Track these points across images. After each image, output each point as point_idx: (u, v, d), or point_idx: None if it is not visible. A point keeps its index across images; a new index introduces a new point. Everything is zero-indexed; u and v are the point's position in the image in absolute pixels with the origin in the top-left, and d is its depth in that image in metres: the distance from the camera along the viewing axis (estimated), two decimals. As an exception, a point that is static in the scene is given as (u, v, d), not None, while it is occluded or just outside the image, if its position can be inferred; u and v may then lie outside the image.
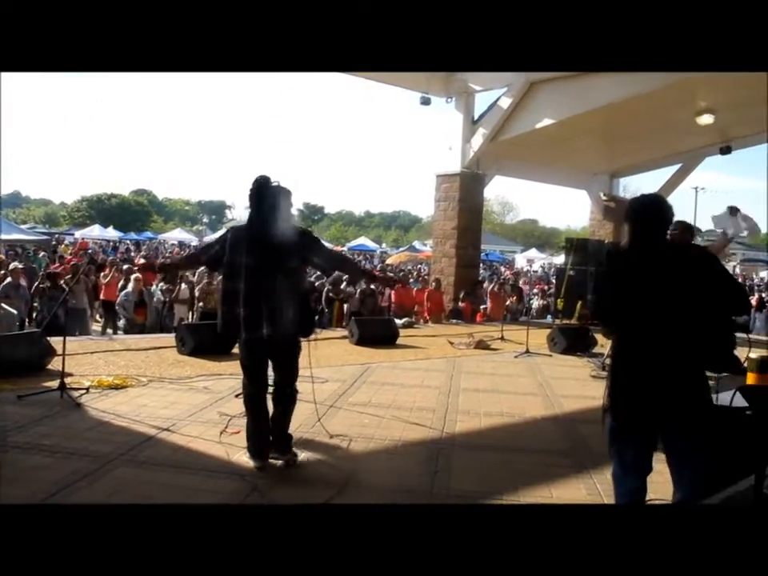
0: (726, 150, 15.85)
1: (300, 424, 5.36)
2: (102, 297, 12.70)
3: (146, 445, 4.66)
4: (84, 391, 6.02)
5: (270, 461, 4.40)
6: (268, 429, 4.43)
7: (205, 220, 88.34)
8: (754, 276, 41.60)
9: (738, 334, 3.02)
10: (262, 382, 4.45)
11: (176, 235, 47.15)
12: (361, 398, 6.50)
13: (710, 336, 2.89)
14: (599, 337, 9.03)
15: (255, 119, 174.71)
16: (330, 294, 13.02)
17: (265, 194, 4.26)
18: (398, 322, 11.74)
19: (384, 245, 57.60)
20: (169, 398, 6.07)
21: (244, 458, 4.40)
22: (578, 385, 7.80)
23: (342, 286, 13.34)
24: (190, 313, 12.58)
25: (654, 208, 3.14)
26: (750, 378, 4.62)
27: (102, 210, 64.27)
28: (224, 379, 6.95)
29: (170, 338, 9.21)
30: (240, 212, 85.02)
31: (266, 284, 4.17)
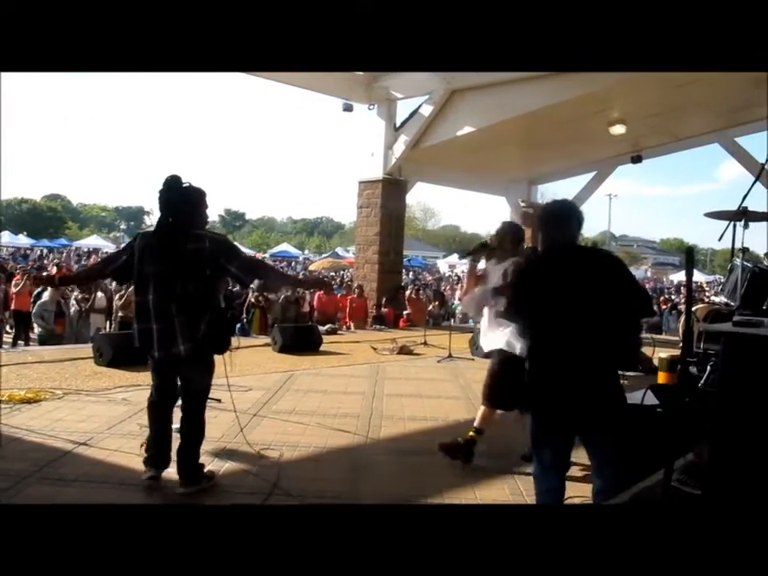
0: (637, 159, 16.50)
1: (223, 434, 5.29)
2: (12, 307, 12.21)
3: (62, 461, 4.48)
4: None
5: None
6: (169, 436, 4.17)
7: (122, 226, 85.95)
8: (665, 279, 43.27)
9: (649, 335, 3.20)
10: (169, 396, 4.17)
11: (92, 242, 45.70)
12: (285, 406, 6.45)
13: (618, 337, 3.01)
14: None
15: (176, 123, 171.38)
16: (254, 301, 12.87)
17: (174, 196, 3.96)
18: (321, 328, 11.72)
19: (307, 251, 57.49)
20: (86, 411, 5.88)
21: (169, 470, 4.30)
22: (500, 387, 7.93)
23: (265, 294, 13.21)
24: (108, 322, 12.22)
25: (565, 213, 3.27)
26: (661, 377, 4.82)
27: (13, 215, 61.72)
28: (143, 390, 6.73)
29: (86, 349, 8.92)
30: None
31: (176, 295, 3.85)
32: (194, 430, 4.13)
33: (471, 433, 4.71)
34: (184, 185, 3.99)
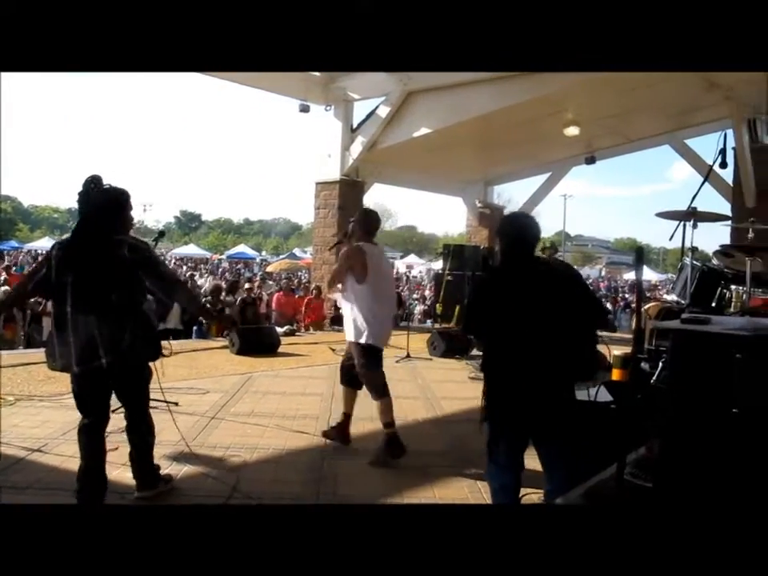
0: (590, 160, 16.83)
1: (181, 437, 5.24)
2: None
3: (15, 468, 4.40)
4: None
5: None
6: (103, 468, 3.84)
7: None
8: (619, 278, 44.06)
9: (603, 334, 3.30)
10: (100, 412, 3.84)
11: (44, 244, 44.58)
12: (243, 409, 6.42)
13: (574, 348, 3.10)
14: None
15: (130, 123, 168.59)
16: (208, 306, 12.72)
17: (93, 199, 3.72)
18: (280, 330, 11.68)
19: (264, 252, 57.11)
20: (39, 417, 5.77)
21: (126, 475, 4.25)
22: (458, 387, 8.02)
23: (221, 296, 13.11)
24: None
25: (522, 225, 3.34)
26: (615, 374, 4.92)
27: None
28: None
29: (39, 354, 8.73)
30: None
31: (97, 305, 3.58)
32: (142, 435, 4.01)
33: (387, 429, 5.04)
34: (105, 186, 3.77)
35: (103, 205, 3.73)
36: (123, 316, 3.64)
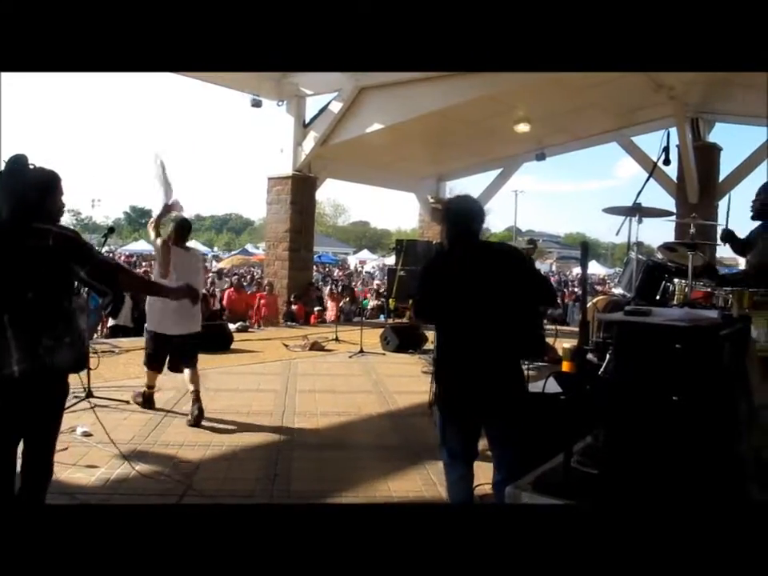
0: (540, 157, 17.13)
1: (133, 435, 5.20)
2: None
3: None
4: None
5: None
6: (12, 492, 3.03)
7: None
8: (569, 273, 44.74)
9: (553, 327, 3.36)
10: (14, 433, 3.05)
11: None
12: (196, 405, 6.37)
13: (522, 327, 3.15)
14: (430, 334, 9.40)
15: (78, 117, 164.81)
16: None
17: (14, 181, 3.09)
18: (232, 326, 11.59)
19: (216, 248, 56.43)
20: None
21: (77, 475, 4.19)
22: (411, 381, 8.08)
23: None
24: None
25: (466, 208, 3.38)
26: (565, 366, 5.04)
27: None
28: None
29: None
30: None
31: (10, 305, 2.98)
32: (43, 471, 3.20)
33: (146, 389, 6.28)
34: (30, 166, 3.14)
35: (26, 188, 3.11)
36: (43, 317, 3.04)
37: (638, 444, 2.33)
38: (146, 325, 6.23)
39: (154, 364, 6.16)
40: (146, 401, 6.28)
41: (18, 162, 3.12)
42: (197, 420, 5.67)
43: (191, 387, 5.92)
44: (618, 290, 6.28)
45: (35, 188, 3.13)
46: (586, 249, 2.61)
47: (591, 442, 2.70)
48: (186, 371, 6.02)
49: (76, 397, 6.15)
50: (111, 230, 7.47)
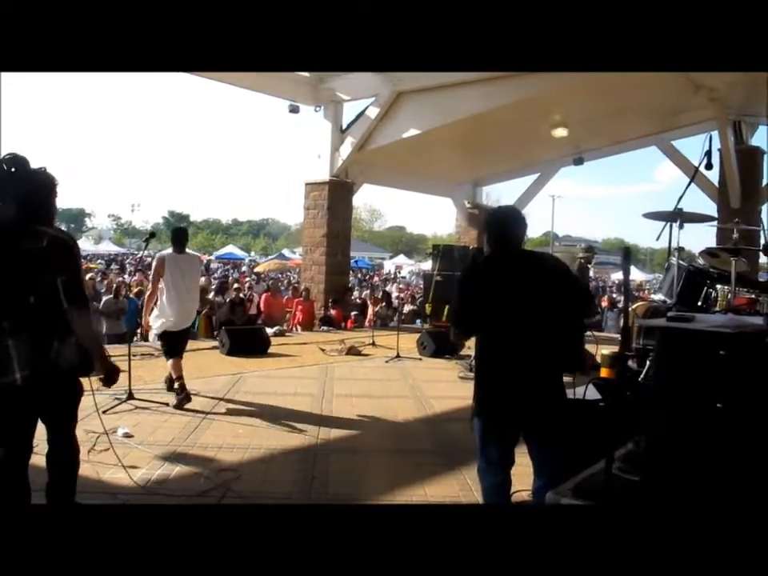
0: (578, 161, 16.95)
1: (173, 437, 5.28)
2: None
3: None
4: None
5: None
6: (27, 494, 3.15)
7: (62, 229, 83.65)
8: (606, 278, 44.24)
9: (591, 333, 3.34)
10: (21, 443, 3.09)
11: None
12: (234, 409, 6.45)
13: (564, 339, 3.14)
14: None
15: (119, 123, 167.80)
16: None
17: (14, 183, 3.05)
18: (269, 330, 11.68)
19: (253, 253, 56.96)
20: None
21: (118, 476, 4.26)
22: (447, 386, 8.06)
23: (209, 296, 13.09)
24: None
25: (511, 216, 3.37)
26: (603, 372, 4.98)
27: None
28: (87, 396, 6.60)
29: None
30: (101, 220, 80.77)
31: (11, 309, 2.98)
32: (66, 465, 3.37)
33: (179, 381, 6.61)
34: (32, 168, 3.14)
35: (29, 190, 3.09)
36: (46, 321, 3.02)
37: (680, 451, 2.31)
38: (155, 329, 6.94)
39: (174, 354, 6.80)
40: (183, 389, 6.62)
41: (18, 162, 3.07)
42: (181, 404, 6.45)
43: (176, 374, 6.67)
44: (658, 296, 6.19)
45: (37, 190, 3.13)
46: (628, 254, 2.58)
47: (632, 449, 2.68)
48: (174, 360, 6.75)
49: (117, 399, 6.28)
50: (152, 234, 7.63)
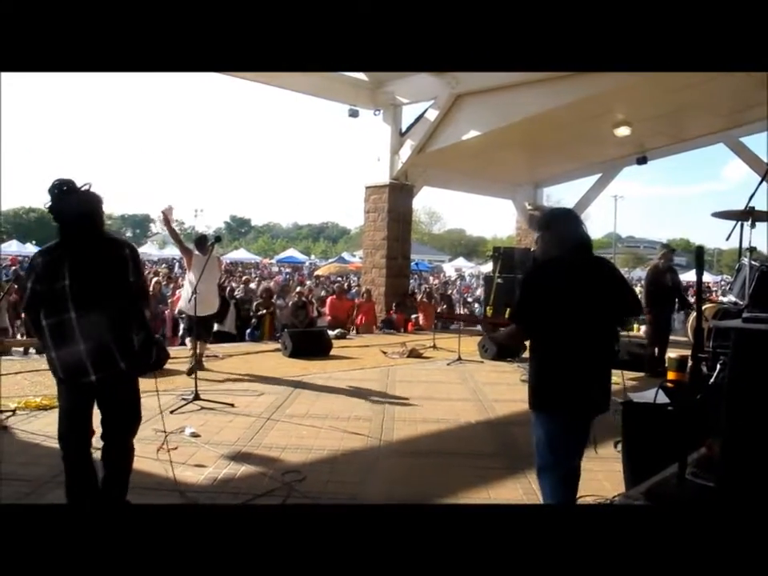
0: (642, 161, 16.53)
1: (238, 438, 5.37)
2: (23, 315, 12.27)
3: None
4: (10, 413, 5.84)
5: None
6: (92, 475, 3.58)
7: (128, 234, 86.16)
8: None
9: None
10: (87, 426, 3.55)
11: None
12: (297, 410, 6.51)
13: (616, 333, 3.19)
14: (527, 342, 9.25)
15: (182, 130, 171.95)
16: (261, 308, 12.92)
17: (77, 201, 3.46)
18: (331, 333, 11.77)
19: (313, 256, 57.53)
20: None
21: (186, 474, 4.36)
22: (509, 389, 7.99)
23: (273, 299, 13.29)
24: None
25: (572, 219, 3.34)
26: (670, 375, 4.86)
27: (20, 224, 61.75)
28: (154, 397, 6.83)
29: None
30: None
31: (105, 309, 3.39)
32: (122, 461, 3.68)
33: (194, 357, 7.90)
34: (83, 188, 3.52)
35: (91, 206, 3.54)
36: (129, 319, 3.51)
37: (758, 457, 2.23)
38: (179, 308, 8.83)
39: (191, 335, 8.24)
40: (199, 363, 8.06)
41: (74, 184, 3.48)
42: (191, 371, 7.64)
43: (202, 351, 8.47)
44: (728, 298, 6.02)
45: (96, 206, 3.59)
46: (701, 254, 2.50)
47: (706, 453, 2.60)
48: (204, 342, 8.57)
49: (184, 399, 6.43)
50: (218, 239, 7.83)
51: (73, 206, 3.44)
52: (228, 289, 13.60)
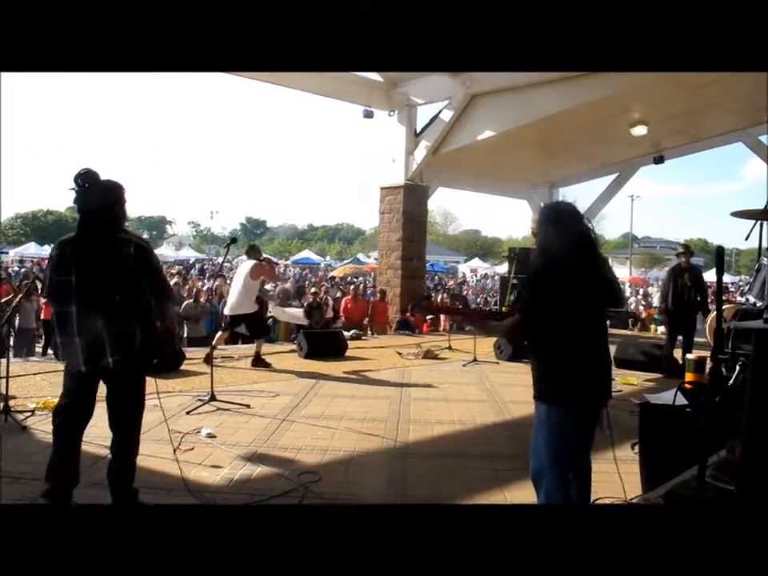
0: (659, 160, 16.39)
1: (254, 438, 5.37)
2: (42, 316, 12.37)
3: (98, 466, 4.53)
4: (29, 414, 5.88)
5: None
6: (75, 463, 3.74)
7: (145, 236, 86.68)
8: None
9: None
10: (85, 414, 3.77)
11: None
12: (313, 411, 6.52)
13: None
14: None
15: (199, 133, 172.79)
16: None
17: (93, 194, 3.56)
18: (346, 334, 11.78)
19: (328, 257, 57.67)
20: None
21: (202, 474, 4.37)
22: (525, 390, 7.82)
23: (288, 300, 13.31)
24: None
25: (576, 215, 3.31)
26: (689, 377, 4.80)
27: (38, 227, 62.24)
28: (173, 397, 6.88)
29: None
30: (181, 227, 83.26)
31: (103, 305, 3.50)
32: (129, 450, 3.83)
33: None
34: (101, 179, 3.63)
35: (107, 200, 3.62)
36: (130, 316, 3.57)
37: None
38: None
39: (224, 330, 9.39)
40: (256, 359, 9.13)
41: (93, 176, 3.58)
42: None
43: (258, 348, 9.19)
44: (747, 298, 5.95)
45: (114, 199, 3.66)
46: (722, 254, 2.47)
47: (726, 456, 2.57)
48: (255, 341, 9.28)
49: (200, 400, 6.45)
50: (233, 240, 7.83)
51: (92, 199, 3.57)
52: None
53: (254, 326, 9.07)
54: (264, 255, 9.81)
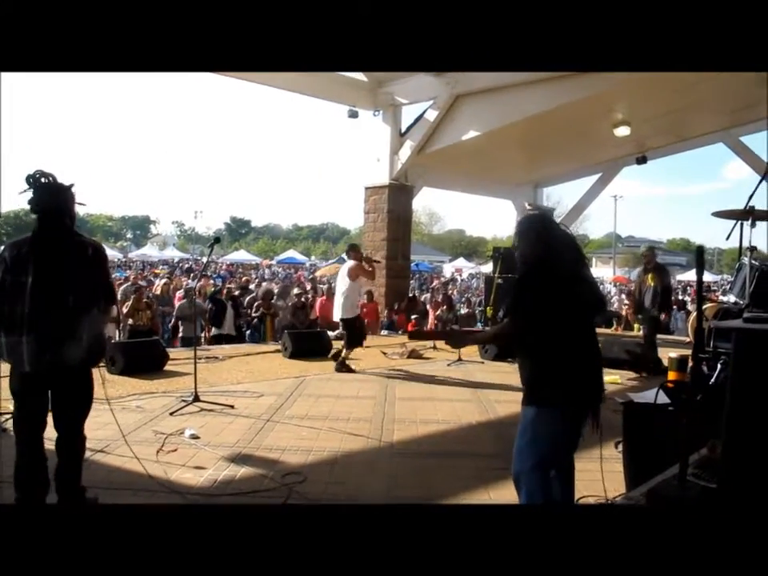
0: (641, 160, 16.53)
1: (238, 439, 5.35)
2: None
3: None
4: (9, 416, 5.83)
5: None
6: (42, 460, 3.66)
7: (129, 235, 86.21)
8: (672, 279, 43.16)
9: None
10: (41, 414, 3.68)
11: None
12: (297, 411, 6.50)
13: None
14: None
15: (181, 131, 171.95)
16: (261, 309, 12.93)
17: (50, 195, 3.58)
18: (331, 333, 11.75)
19: (313, 257, 57.58)
20: (100, 419, 5.88)
21: (186, 476, 4.35)
22: (510, 390, 7.96)
23: (272, 300, 13.28)
24: (117, 331, 12.24)
25: (554, 222, 3.39)
26: (671, 376, 4.83)
27: (20, 226, 61.52)
28: (157, 398, 6.85)
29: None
30: (165, 227, 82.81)
31: (54, 307, 3.49)
32: (74, 448, 3.79)
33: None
34: (57, 182, 3.62)
35: (65, 202, 3.65)
36: (79, 318, 3.54)
37: (759, 457, 2.22)
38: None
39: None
40: (342, 364, 9.10)
41: (47, 176, 3.55)
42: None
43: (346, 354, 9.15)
44: (728, 297, 6.00)
45: (68, 200, 3.67)
46: (702, 253, 2.50)
47: (708, 454, 2.59)
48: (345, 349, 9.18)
49: (183, 401, 6.42)
50: (217, 240, 7.80)
51: (50, 200, 3.58)
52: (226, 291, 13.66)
53: (351, 335, 9.08)
54: (364, 254, 10.04)
